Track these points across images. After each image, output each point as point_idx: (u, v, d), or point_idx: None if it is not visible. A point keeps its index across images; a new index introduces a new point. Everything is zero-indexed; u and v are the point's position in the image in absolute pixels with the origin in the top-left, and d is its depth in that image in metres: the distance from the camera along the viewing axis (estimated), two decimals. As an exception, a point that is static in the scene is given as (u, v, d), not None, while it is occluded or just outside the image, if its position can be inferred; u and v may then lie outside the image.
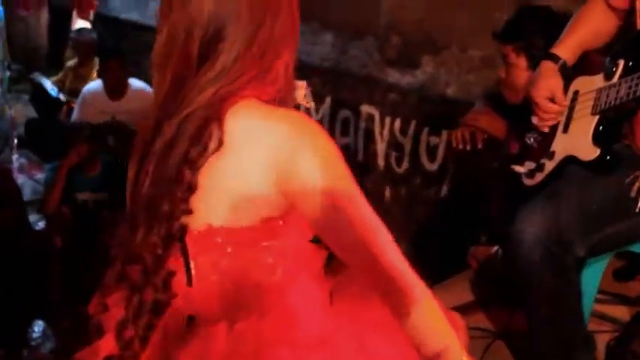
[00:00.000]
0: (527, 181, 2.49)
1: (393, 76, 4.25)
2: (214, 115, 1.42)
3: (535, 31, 2.79)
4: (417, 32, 4.20)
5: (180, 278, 1.55)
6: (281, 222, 1.49)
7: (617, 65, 2.22)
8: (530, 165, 2.49)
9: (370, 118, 4.46)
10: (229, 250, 1.50)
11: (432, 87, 4.19)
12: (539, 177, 2.45)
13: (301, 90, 1.63)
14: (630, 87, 2.14)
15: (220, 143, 1.41)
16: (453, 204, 3.90)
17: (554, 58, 2.41)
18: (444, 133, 4.08)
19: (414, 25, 4.20)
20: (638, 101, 2.14)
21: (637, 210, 2.19)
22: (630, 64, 2.19)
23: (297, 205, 1.44)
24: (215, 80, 1.43)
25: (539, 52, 2.73)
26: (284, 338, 1.55)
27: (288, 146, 1.40)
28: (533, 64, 2.76)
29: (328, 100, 4.53)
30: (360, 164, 4.48)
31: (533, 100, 2.42)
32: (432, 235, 3.99)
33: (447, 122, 4.10)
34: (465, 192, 3.11)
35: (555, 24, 2.78)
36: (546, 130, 2.46)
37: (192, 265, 1.54)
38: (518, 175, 2.57)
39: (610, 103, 2.22)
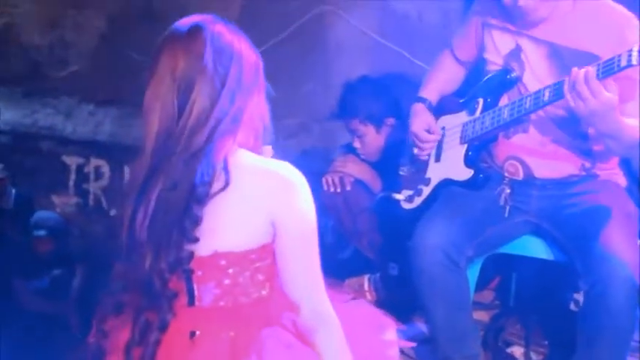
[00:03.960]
0: (407, 205, 2.97)
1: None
2: (217, 158, 1.74)
3: (368, 101, 3.34)
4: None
5: (181, 299, 1.81)
6: (273, 245, 1.81)
7: (477, 103, 2.80)
8: (407, 192, 2.98)
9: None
10: (231, 271, 1.80)
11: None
12: (418, 200, 2.93)
13: (268, 153, 1.92)
14: (493, 118, 2.71)
15: (226, 184, 1.73)
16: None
17: (422, 100, 2.97)
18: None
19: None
20: (500, 129, 2.72)
21: (506, 215, 2.75)
22: (488, 100, 2.77)
23: (278, 234, 1.80)
24: (200, 124, 1.74)
25: (381, 114, 3.29)
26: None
27: (285, 192, 1.77)
28: (380, 127, 3.29)
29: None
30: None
31: (414, 134, 2.93)
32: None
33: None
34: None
35: (377, 86, 3.37)
36: (425, 158, 2.97)
37: (195, 287, 1.81)
38: (387, 208, 3.07)
39: (477, 132, 2.77)
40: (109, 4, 4.26)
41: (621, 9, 2.56)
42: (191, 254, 1.76)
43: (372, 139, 3.38)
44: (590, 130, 2.60)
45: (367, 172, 3.40)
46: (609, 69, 2.33)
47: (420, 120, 2.94)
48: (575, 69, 2.36)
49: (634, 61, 2.27)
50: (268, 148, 1.96)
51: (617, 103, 2.36)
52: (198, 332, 1.82)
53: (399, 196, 2.98)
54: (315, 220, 1.81)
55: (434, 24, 4.07)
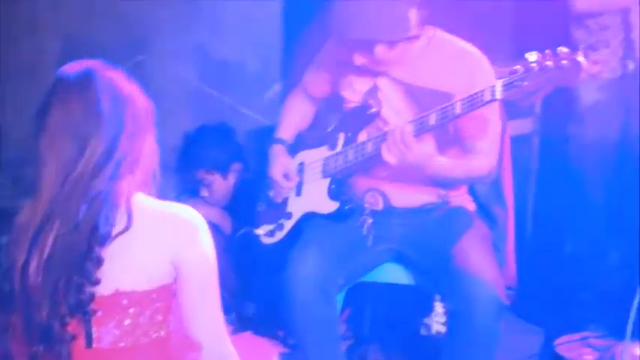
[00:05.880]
0: (267, 240, 3.02)
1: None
2: (119, 200, 1.77)
3: (212, 150, 3.43)
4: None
5: (79, 341, 1.80)
6: (174, 285, 1.87)
7: (338, 138, 2.92)
8: (268, 227, 3.03)
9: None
10: (131, 311, 1.82)
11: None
12: (279, 235, 2.99)
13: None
14: (357, 152, 2.84)
15: (128, 226, 1.77)
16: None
17: (281, 141, 3.06)
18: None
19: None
20: (363, 163, 2.84)
21: (369, 244, 2.87)
22: (349, 135, 2.90)
23: (180, 274, 1.86)
24: (100, 168, 1.77)
25: (226, 161, 3.35)
26: None
27: (186, 234, 1.84)
28: (227, 173, 3.35)
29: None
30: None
31: (273, 178, 3.01)
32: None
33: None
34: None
35: (218, 134, 3.45)
36: (280, 200, 3.04)
37: (94, 329, 1.81)
38: (246, 246, 3.10)
39: (340, 166, 2.89)
40: None
41: (472, 50, 2.80)
42: (92, 295, 1.76)
43: (220, 186, 3.46)
44: None
45: (217, 214, 3.44)
46: (473, 103, 2.55)
47: (279, 165, 3.03)
48: (395, 126, 2.60)
49: (497, 96, 2.50)
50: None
51: (432, 155, 2.63)
52: None
53: (259, 232, 3.02)
54: (214, 260, 1.89)
55: (253, 70, 4.19)
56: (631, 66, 3.43)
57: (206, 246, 1.86)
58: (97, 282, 1.75)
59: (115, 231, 1.75)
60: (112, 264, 1.76)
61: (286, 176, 3.01)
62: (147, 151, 1.85)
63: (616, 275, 3.53)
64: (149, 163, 1.86)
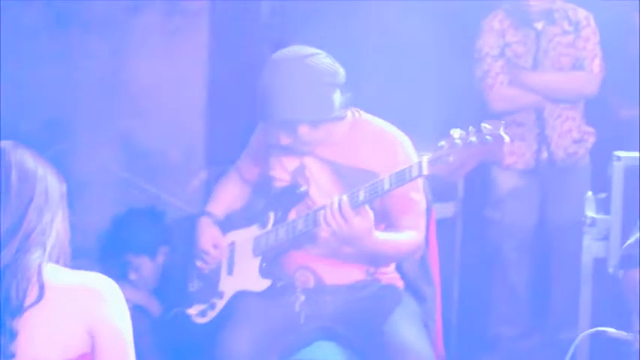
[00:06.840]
0: (200, 320, 2.97)
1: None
2: (31, 271, 1.78)
3: (139, 233, 3.45)
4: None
5: None
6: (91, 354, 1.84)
7: (268, 217, 2.95)
8: (200, 307, 2.99)
9: None
10: None
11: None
12: (212, 314, 2.96)
13: None
14: (288, 230, 2.87)
15: (40, 297, 1.77)
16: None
17: (209, 215, 3.08)
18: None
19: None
20: (294, 240, 2.87)
21: (302, 321, 2.87)
22: (279, 214, 2.93)
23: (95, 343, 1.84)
24: (7, 240, 1.78)
25: (154, 244, 3.40)
26: None
27: (95, 302, 1.82)
28: (155, 256, 3.42)
29: None
30: None
31: (201, 250, 3.01)
32: None
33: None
34: None
35: (146, 218, 3.46)
36: (206, 271, 3.04)
37: None
38: (177, 326, 3.07)
39: (270, 245, 2.91)
40: None
41: (395, 131, 2.91)
42: None
43: (148, 268, 3.43)
44: None
45: (144, 297, 3.40)
46: (401, 179, 2.63)
47: (207, 235, 3.04)
48: (333, 199, 2.64)
49: (424, 171, 2.58)
50: None
51: (371, 227, 2.63)
52: None
53: (191, 311, 2.99)
54: (129, 327, 1.85)
55: (177, 160, 4.22)
56: (544, 156, 3.63)
57: (117, 313, 1.83)
58: (11, 356, 1.72)
59: (26, 303, 1.74)
60: (26, 336, 1.74)
61: (215, 246, 3.01)
62: (58, 227, 1.84)
63: (540, 355, 3.61)
64: (61, 239, 1.85)
